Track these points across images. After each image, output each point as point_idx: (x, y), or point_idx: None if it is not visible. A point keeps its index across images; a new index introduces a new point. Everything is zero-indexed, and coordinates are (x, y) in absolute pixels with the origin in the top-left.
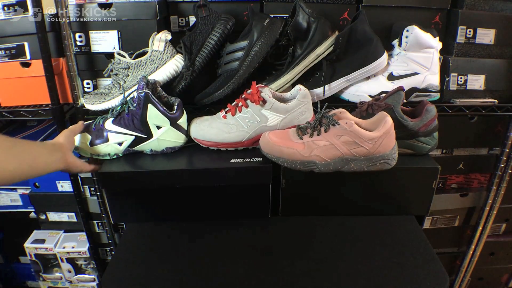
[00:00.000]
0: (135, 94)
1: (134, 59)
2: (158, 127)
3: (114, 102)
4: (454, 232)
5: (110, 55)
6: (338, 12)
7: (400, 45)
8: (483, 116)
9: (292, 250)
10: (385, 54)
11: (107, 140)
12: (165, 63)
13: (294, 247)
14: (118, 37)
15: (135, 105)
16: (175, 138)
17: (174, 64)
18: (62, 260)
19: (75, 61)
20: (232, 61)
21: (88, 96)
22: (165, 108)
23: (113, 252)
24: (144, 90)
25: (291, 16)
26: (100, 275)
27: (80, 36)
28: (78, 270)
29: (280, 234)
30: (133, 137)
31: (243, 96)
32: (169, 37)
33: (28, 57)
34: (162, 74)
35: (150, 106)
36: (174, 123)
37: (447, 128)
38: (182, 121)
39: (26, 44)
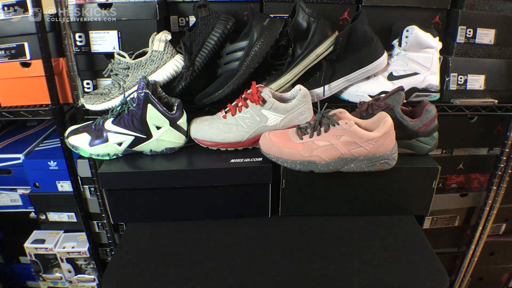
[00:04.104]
0: (135, 94)
1: (134, 59)
2: (158, 128)
3: (114, 102)
4: (454, 232)
5: (110, 55)
6: (338, 12)
7: (400, 45)
8: (483, 116)
9: (292, 250)
10: (385, 54)
11: (106, 140)
12: (165, 63)
13: (294, 247)
14: (118, 37)
15: (135, 105)
16: (174, 139)
17: (174, 64)
18: (62, 260)
19: (75, 61)
20: (232, 61)
21: (88, 96)
22: (165, 108)
23: (113, 252)
24: (144, 90)
25: (291, 16)
26: (100, 275)
27: (80, 36)
28: (78, 270)
29: (280, 234)
30: (133, 137)
31: (243, 96)
32: (169, 37)
33: (28, 57)
34: (162, 74)
35: (150, 106)
36: (173, 124)
37: (447, 128)
38: (182, 121)
39: (26, 44)
